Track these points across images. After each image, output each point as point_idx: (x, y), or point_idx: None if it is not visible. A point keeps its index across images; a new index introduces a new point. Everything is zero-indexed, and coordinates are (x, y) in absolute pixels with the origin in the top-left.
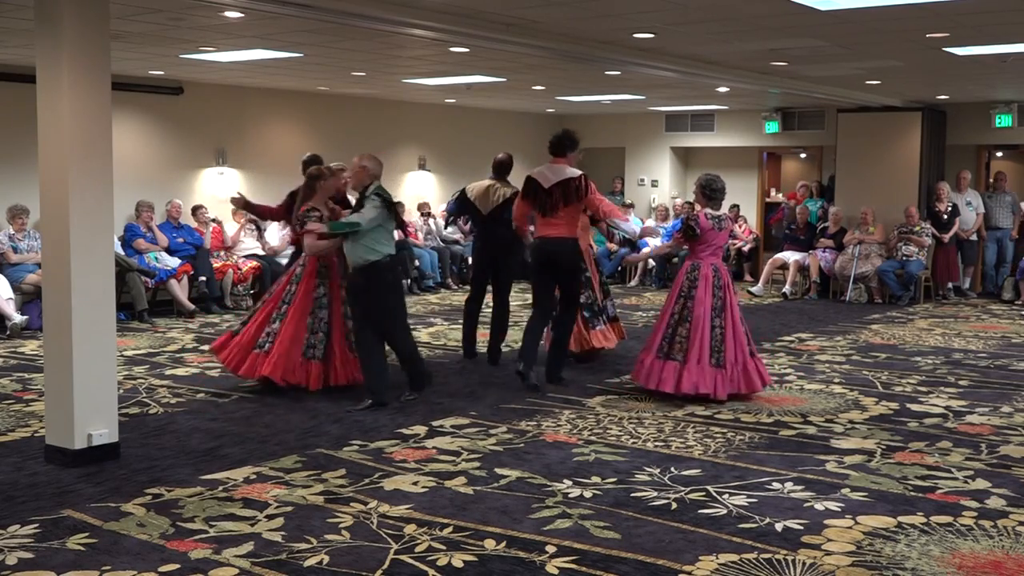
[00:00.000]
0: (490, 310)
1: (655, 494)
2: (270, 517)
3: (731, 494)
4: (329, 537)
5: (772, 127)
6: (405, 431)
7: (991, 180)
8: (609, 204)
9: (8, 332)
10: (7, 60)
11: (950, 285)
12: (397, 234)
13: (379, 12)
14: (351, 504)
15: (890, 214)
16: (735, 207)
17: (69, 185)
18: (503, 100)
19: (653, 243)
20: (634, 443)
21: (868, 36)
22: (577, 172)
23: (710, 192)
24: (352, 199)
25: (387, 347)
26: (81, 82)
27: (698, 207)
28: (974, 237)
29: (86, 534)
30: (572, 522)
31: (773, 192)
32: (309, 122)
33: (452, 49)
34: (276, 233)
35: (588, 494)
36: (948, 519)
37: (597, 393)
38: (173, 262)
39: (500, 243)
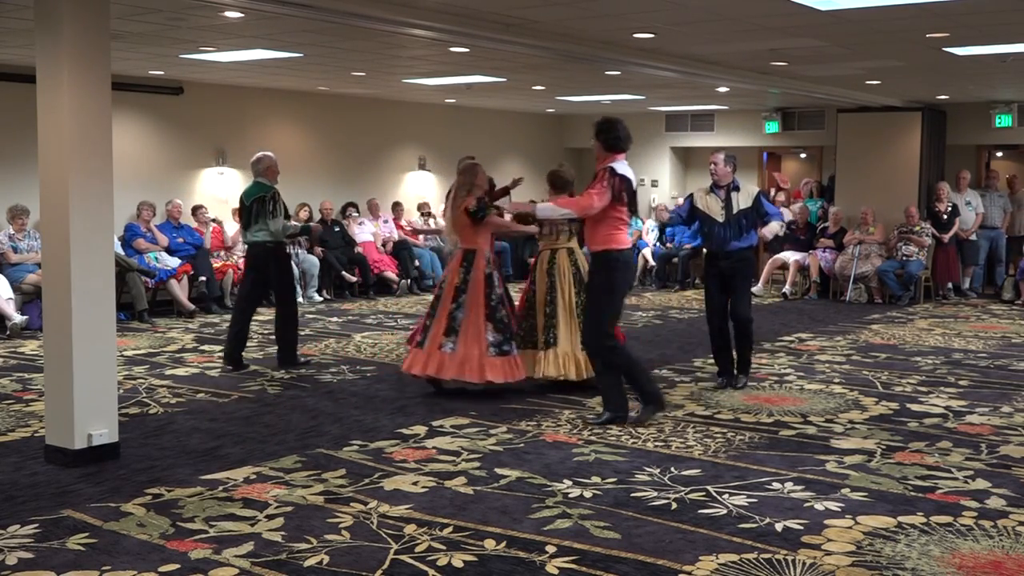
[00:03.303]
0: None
1: (655, 494)
2: (270, 517)
3: (731, 494)
4: (329, 537)
5: (772, 127)
6: (405, 431)
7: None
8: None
9: (8, 332)
10: (7, 60)
11: (950, 285)
12: (399, 233)
13: (379, 12)
14: (351, 504)
15: (890, 214)
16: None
17: (69, 185)
18: (503, 100)
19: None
20: (634, 443)
21: (868, 36)
22: None
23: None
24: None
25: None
26: (81, 82)
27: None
28: (974, 237)
29: (86, 534)
30: (572, 522)
31: (773, 192)
32: (309, 122)
33: (452, 49)
34: None
35: (588, 494)
36: (948, 519)
37: (597, 393)
38: (173, 262)
39: None
